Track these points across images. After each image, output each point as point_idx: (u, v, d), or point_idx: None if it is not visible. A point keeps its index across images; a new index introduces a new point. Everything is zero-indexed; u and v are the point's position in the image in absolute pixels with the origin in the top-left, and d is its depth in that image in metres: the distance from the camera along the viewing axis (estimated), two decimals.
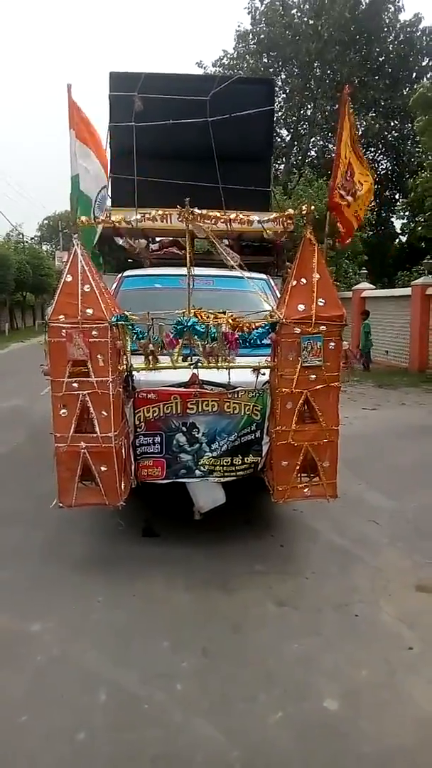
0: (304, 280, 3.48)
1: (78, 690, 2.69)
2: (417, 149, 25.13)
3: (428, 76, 26.61)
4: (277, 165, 27.41)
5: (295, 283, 3.50)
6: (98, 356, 3.24)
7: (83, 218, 3.37)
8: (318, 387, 3.52)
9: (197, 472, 3.84)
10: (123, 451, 3.52)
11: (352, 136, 4.03)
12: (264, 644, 3.06)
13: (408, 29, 26.82)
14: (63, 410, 3.29)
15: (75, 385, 3.26)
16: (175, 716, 2.54)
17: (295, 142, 29.37)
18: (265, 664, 2.90)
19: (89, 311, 3.21)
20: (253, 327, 3.54)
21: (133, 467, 3.79)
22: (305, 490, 3.69)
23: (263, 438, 3.85)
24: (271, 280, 5.33)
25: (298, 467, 3.60)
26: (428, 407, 9.84)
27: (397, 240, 27.14)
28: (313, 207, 3.69)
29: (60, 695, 2.66)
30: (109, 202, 5.12)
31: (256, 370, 3.73)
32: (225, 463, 3.85)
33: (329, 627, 3.22)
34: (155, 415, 3.75)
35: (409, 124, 25.51)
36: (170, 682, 2.75)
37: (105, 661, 2.89)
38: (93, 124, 3.63)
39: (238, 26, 29.71)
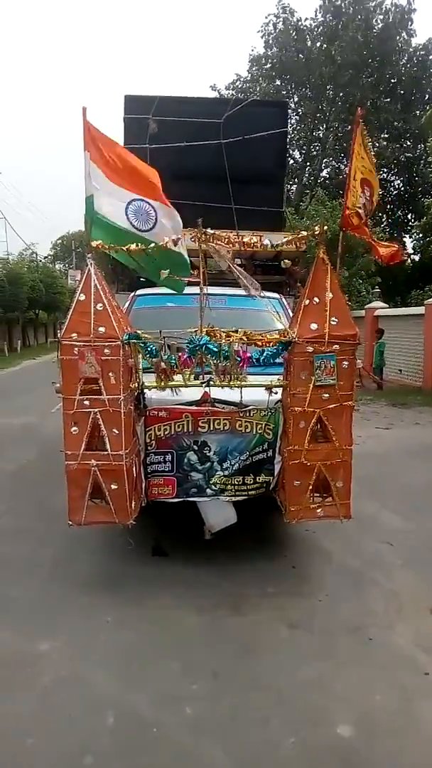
0: (317, 299, 3.48)
1: (85, 712, 2.65)
2: (430, 170, 25.27)
3: None
4: (289, 186, 27.68)
5: (307, 302, 3.50)
6: (110, 374, 3.25)
7: (98, 242, 3.39)
8: (331, 406, 3.49)
9: (208, 491, 3.81)
10: (134, 469, 3.51)
11: (369, 157, 4.06)
12: (276, 668, 3.00)
13: (420, 52, 27.15)
14: (74, 428, 3.30)
15: (86, 402, 3.27)
16: (184, 740, 2.49)
17: (308, 164, 29.68)
18: (277, 688, 2.84)
19: (102, 329, 3.23)
20: (265, 343, 3.54)
21: (143, 485, 3.77)
22: (318, 510, 3.64)
23: (275, 457, 3.82)
24: (283, 299, 5.35)
25: (310, 487, 3.56)
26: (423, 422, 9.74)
27: (409, 259, 27.12)
28: (326, 227, 3.71)
29: (67, 717, 2.62)
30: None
31: (269, 388, 3.72)
32: (236, 482, 3.83)
33: (343, 651, 3.16)
34: (166, 433, 3.74)
35: (422, 145, 25.70)
36: (180, 705, 2.70)
37: (113, 683, 2.85)
38: (115, 143, 3.63)
39: (252, 50, 30.32)
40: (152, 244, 3.51)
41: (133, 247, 3.45)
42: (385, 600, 3.70)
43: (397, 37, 27.14)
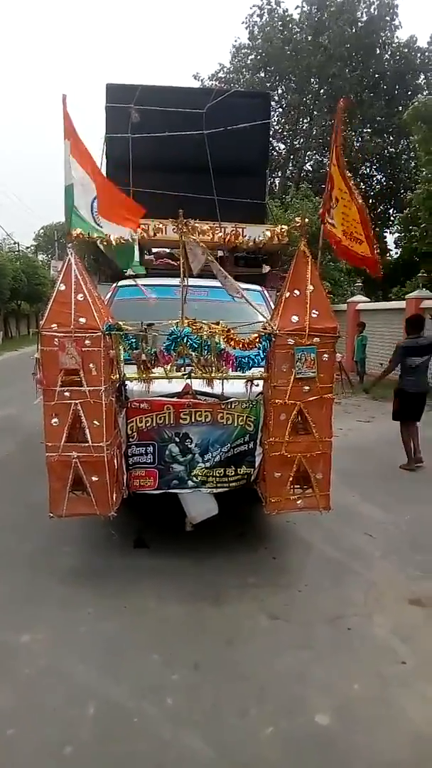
0: (297, 292, 3.49)
1: (66, 703, 2.65)
2: (412, 164, 25.38)
3: (424, 93, 26.95)
4: (272, 178, 27.64)
5: (288, 294, 3.51)
6: (91, 365, 3.23)
7: (78, 231, 3.36)
8: (311, 398, 3.51)
9: (190, 482, 3.82)
10: (115, 461, 3.50)
11: (337, 150, 4.04)
12: (256, 658, 3.02)
13: (404, 49, 27.21)
14: (55, 419, 3.28)
15: (67, 394, 3.25)
16: (165, 730, 2.51)
17: (291, 156, 29.62)
18: (257, 678, 2.86)
19: (82, 320, 3.20)
20: (248, 346, 3.55)
21: (125, 477, 3.76)
22: (298, 501, 3.67)
23: (256, 449, 3.83)
24: (265, 292, 5.35)
25: (291, 479, 3.59)
26: (422, 419, 9.83)
27: (390, 254, 27.28)
28: (307, 220, 3.71)
29: (48, 708, 2.62)
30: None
31: (250, 381, 3.73)
32: (218, 474, 3.84)
33: (322, 640, 3.19)
34: (148, 425, 3.74)
35: (404, 141, 25.81)
36: (160, 695, 2.71)
37: (94, 674, 2.85)
38: (80, 137, 3.62)
39: (235, 40, 30.06)
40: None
41: (113, 237, 3.43)
42: (364, 590, 3.75)
43: (382, 32, 27.14)
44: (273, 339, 3.48)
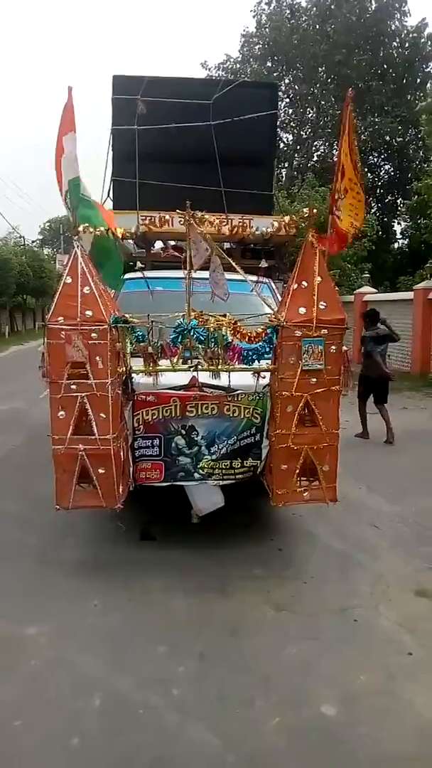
0: (305, 284, 3.47)
1: (72, 694, 2.67)
2: (420, 154, 25.17)
3: None
4: (279, 169, 27.50)
5: (296, 286, 3.48)
6: (97, 358, 3.23)
7: (84, 226, 3.35)
8: (318, 390, 3.49)
9: (196, 475, 3.82)
10: (121, 453, 3.50)
11: (350, 140, 3.99)
12: (262, 649, 3.03)
13: (413, 35, 26.88)
14: (61, 412, 3.28)
15: (74, 387, 3.25)
16: (170, 721, 2.52)
17: (298, 146, 29.43)
18: (263, 669, 2.87)
19: (89, 313, 3.20)
20: (253, 338, 3.53)
21: (131, 470, 3.77)
22: (305, 494, 3.66)
23: (263, 441, 3.83)
24: (272, 284, 5.33)
25: (297, 471, 3.58)
26: (430, 411, 9.82)
27: (398, 244, 27.13)
28: (315, 210, 3.68)
29: (54, 699, 2.64)
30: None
31: (257, 373, 3.71)
32: (224, 467, 3.84)
33: (328, 632, 3.20)
34: (154, 417, 3.74)
35: (413, 130, 25.54)
36: (166, 686, 2.73)
37: (100, 666, 2.87)
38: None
39: (244, 30, 29.80)
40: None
41: (119, 231, 3.42)
42: (371, 582, 3.74)
43: (390, 20, 26.82)
44: (280, 331, 3.46)
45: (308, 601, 3.49)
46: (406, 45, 27.18)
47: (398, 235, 27.78)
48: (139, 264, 4.79)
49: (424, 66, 27.41)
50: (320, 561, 4.03)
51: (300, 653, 3.00)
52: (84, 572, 3.80)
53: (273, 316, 3.57)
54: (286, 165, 28.76)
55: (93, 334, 3.21)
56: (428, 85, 26.34)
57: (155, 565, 3.86)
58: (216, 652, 2.99)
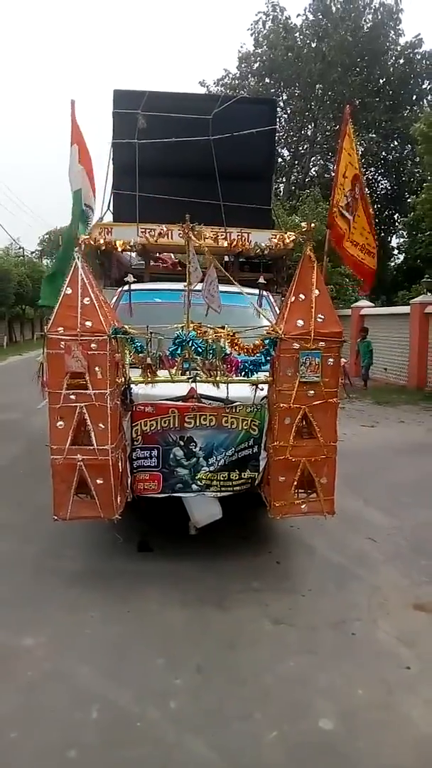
0: (302, 296, 3.50)
1: (69, 706, 2.64)
2: (417, 170, 25.44)
3: (428, 98, 27.02)
4: (277, 184, 27.77)
5: (294, 299, 3.51)
6: (96, 369, 3.24)
7: (84, 237, 3.39)
8: (316, 403, 3.51)
9: (194, 486, 3.82)
10: (119, 464, 3.51)
11: (355, 154, 4.06)
12: (259, 662, 3.02)
13: (408, 51, 27.29)
14: (60, 422, 3.29)
15: (72, 397, 3.26)
16: (168, 734, 2.50)
17: (296, 162, 29.73)
18: (261, 682, 2.86)
19: (88, 324, 3.22)
20: (252, 351, 3.55)
21: (129, 481, 3.77)
22: (302, 506, 3.67)
23: (261, 453, 3.83)
24: (270, 297, 5.36)
25: (295, 483, 3.58)
26: (427, 425, 9.84)
27: (394, 259, 27.33)
28: (313, 225, 3.73)
29: (51, 711, 2.62)
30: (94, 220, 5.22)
31: (255, 385, 3.73)
32: (222, 478, 3.84)
33: (326, 645, 3.18)
34: (152, 428, 3.74)
35: (409, 145, 25.84)
36: (164, 699, 2.71)
37: (97, 678, 2.85)
38: (86, 143, 3.64)
39: (241, 47, 30.24)
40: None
41: (119, 243, 3.45)
42: (368, 595, 3.74)
43: (385, 38, 27.25)
44: (278, 343, 3.49)
45: (306, 614, 3.48)
46: (401, 62, 27.58)
47: (395, 251, 28.00)
48: (130, 277, 4.81)
49: (419, 82, 27.81)
50: (318, 574, 4.02)
51: (298, 666, 2.98)
52: (82, 583, 3.78)
53: (271, 329, 3.59)
54: (284, 180, 29.04)
55: (92, 345, 3.23)
56: (423, 101, 26.71)
57: (153, 576, 3.85)
58: (214, 664, 2.98)
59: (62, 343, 3.22)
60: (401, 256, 25.94)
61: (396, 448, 7.82)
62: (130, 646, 3.12)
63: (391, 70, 27.71)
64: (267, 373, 3.73)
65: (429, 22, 48.27)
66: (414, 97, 27.75)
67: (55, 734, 2.48)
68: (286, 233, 5.16)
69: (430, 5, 42.19)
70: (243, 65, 29.61)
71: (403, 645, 3.19)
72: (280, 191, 27.29)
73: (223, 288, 3.96)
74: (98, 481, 3.34)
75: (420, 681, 2.89)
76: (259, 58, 28.91)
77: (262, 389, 3.74)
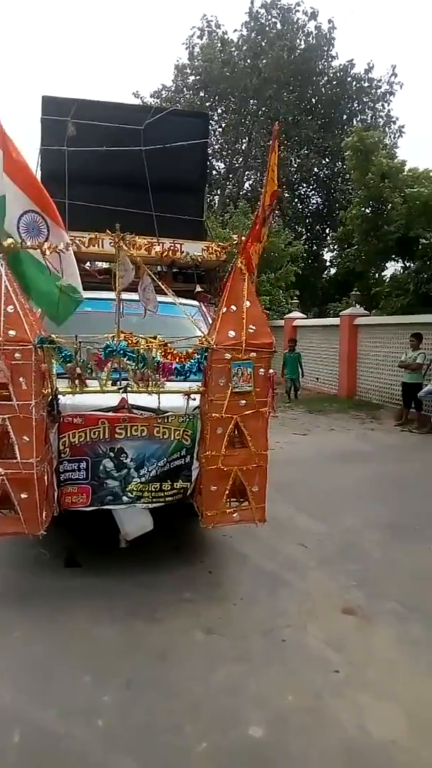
0: (234, 308, 3.54)
1: None
2: (347, 186, 26.39)
3: (358, 119, 28.13)
4: (211, 196, 28.13)
5: (225, 310, 3.54)
6: (21, 379, 3.14)
7: (9, 242, 3.28)
8: (248, 412, 3.55)
9: (124, 498, 3.76)
10: (45, 477, 3.40)
11: (272, 172, 4.11)
12: (190, 673, 2.99)
13: (341, 74, 28.33)
14: None
15: None
16: (95, 752, 2.44)
17: (230, 175, 30.18)
18: (191, 693, 2.83)
19: (12, 333, 3.11)
20: (184, 360, 3.56)
21: (55, 494, 3.66)
22: (234, 514, 3.69)
23: (193, 463, 3.83)
24: (203, 307, 5.39)
25: (227, 492, 3.60)
26: (356, 432, 10.15)
27: (327, 272, 28.18)
28: (243, 238, 3.78)
29: None
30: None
31: (187, 395, 3.73)
32: (153, 489, 3.80)
33: (256, 653, 3.20)
34: (81, 440, 3.66)
35: (340, 163, 26.79)
36: (91, 717, 2.64)
37: (21, 699, 2.74)
38: (17, 148, 3.51)
39: (177, 60, 30.48)
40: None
41: (47, 248, 3.37)
42: (299, 601, 3.79)
43: (319, 59, 28.20)
44: (210, 353, 3.51)
45: (238, 623, 3.49)
46: (334, 83, 28.60)
47: (327, 264, 28.87)
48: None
49: (349, 104, 28.92)
50: (250, 582, 4.04)
51: (229, 676, 2.98)
52: (5, 602, 3.63)
53: (203, 339, 3.61)
54: (219, 192, 29.41)
55: (16, 355, 3.12)
56: (354, 121, 27.80)
57: (81, 592, 3.75)
58: (144, 678, 2.93)
59: None
60: (333, 270, 26.75)
61: (327, 456, 8.01)
62: (56, 665, 3.02)
63: (323, 90, 28.67)
64: (199, 383, 3.74)
65: (361, 47, 50.24)
66: (345, 117, 28.82)
67: None
68: (218, 244, 5.22)
69: (363, 31, 44.02)
70: (179, 78, 29.86)
71: (331, 649, 3.25)
72: (215, 203, 27.62)
73: (158, 298, 3.95)
74: (22, 496, 3.22)
75: (348, 684, 2.95)
76: (194, 71, 29.23)
77: (194, 399, 3.75)
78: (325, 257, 28.84)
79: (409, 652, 3.27)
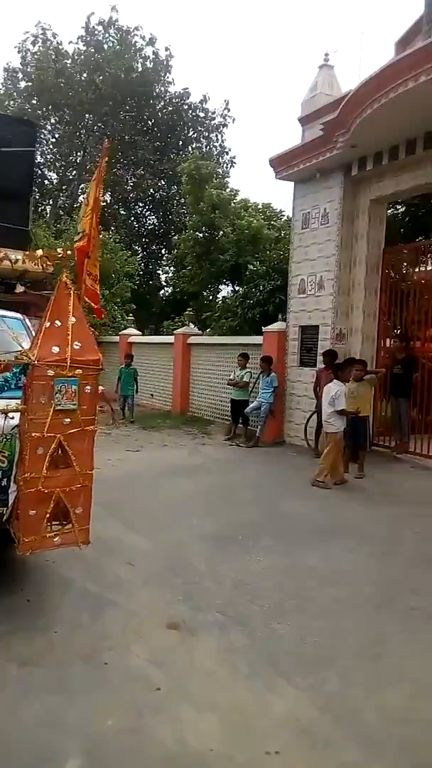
0: (58, 323, 3.44)
1: None
2: (182, 209, 27.25)
3: (193, 146, 29.21)
4: (43, 206, 27.30)
5: (49, 324, 3.44)
6: None
7: None
8: (72, 431, 3.46)
9: None
10: None
11: (97, 190, 4.09)
12: (1, 710, 2.79)
13: (176, 100, 29.20)
14: None
15: None
16: None
17: (64, 186, 29.52)
18: (2, 731, 2.65)
19: None
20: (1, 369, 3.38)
21: None
22: (55, 539, 3.54)
23: (10, 486, 3.63)
24: (27, 320, 5.17)
25: (48, 515, 3.45)
26: (188, 448, 10.39)
27: (163, 290, 28.73)
28: (69, 252, 3.71)
29: None
30: None
31: (5, 413, 3.53)
32: None
33: (77, 680, 3.09)
34: None
35: (175, 186, 27.57)
36: None
37: None
38: None
39: (7, 64, 29.18)
40: None
41: None
42: (123, 621, 3.75)
43: (156, 82, 28.79)
44: (31, 369, 3.36)
45: (57, 652, 3.35)
46: (170, 109, 29.39)
47: (164, 283, 29.42)
48: None
49: (185, 130, 29.91)
50: (73, 607, 3.91)
51: (44, 708, 2.83)
52: None
53: (23, 354, 3.46)
54: (51, 203, 28.60)
55: None
56: (189, 147, 28.81)
57: None
58: None
59: None
60: (169, 289, 27.31)
61: (159, 471, 8.09)
62: None
63: (160, 114, 29.30)
64: (18, 401, 3.56)
65: (197, 80, 52.64)
66: (180, 143, 29.72)
67: None
68: (39, 253, 5.06)
69: (198, 60, 45.98)
70: (9, 82, 28.59)
71: (153, 666, 3.26)
72: (47, 213, 26.80)
73: None
74: None
75: (168, 700, 2.97)
76: (26, 77, 28.19)
77: (12, 418, 3.56)
78: (161, 276, 29.38)
79: (229, 660, 3.37)
